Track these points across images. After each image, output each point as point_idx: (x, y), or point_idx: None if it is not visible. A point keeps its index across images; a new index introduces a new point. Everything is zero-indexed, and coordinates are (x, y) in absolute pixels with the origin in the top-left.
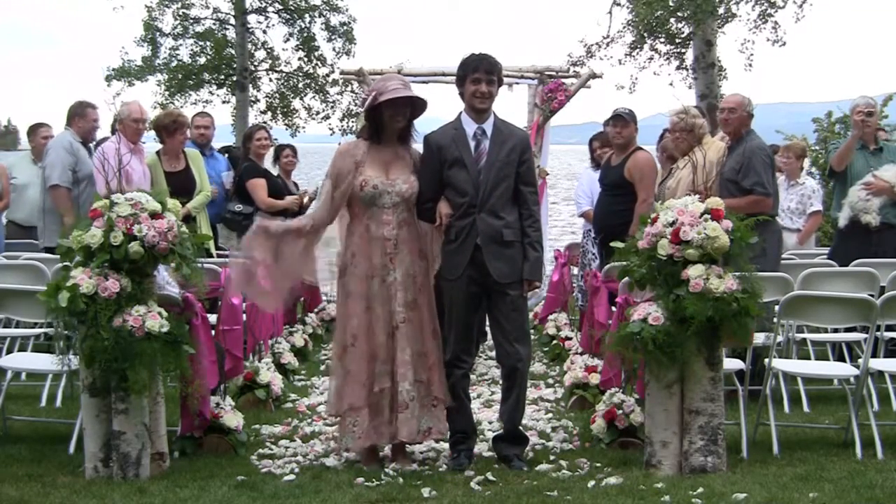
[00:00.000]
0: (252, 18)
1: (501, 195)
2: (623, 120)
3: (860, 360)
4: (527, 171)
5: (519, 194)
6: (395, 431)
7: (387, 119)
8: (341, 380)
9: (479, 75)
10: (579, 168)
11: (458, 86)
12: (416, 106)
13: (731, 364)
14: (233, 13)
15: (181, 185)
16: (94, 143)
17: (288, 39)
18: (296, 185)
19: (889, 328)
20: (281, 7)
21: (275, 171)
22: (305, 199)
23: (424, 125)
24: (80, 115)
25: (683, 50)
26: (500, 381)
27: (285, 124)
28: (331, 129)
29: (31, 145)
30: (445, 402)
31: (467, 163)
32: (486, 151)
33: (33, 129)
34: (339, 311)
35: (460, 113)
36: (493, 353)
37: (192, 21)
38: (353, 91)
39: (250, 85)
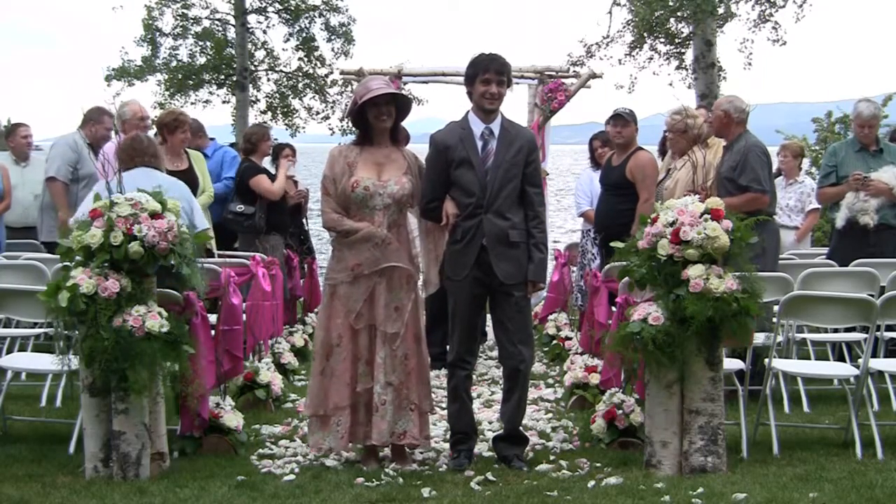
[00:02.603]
0: (252, 18)
1: (508, 196)
2: (623, 119)
3: (860, 360)
4: (533, 172)
5: (525, 195)
6: (369, 432)
7: (372, 120)
8: (327, 379)
9: (489, 76)
10: (579, 168)
11: (468, 85)
12: (402, 105)
13: (731, 364)
14: (233, 13)
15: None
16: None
17: (288, 39)
18: (295, 182)
19: (889, 328)
20: (281, 7)
21: (273, 170)
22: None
23: (424, 125)
24: (96, 120)
25: (683, 50)
26: (502, 382)
27: (285, 124)
28: (331, 129)
29: (10, 146)
30: (422, 408)
31: (474, 163)
32: (494, 152)
33: (12, 130)
34: (323, 311)
35: (467, 112)
36: (493, 354)
37: (191, 21)
38: (352, 92)
39: (250, 85)
